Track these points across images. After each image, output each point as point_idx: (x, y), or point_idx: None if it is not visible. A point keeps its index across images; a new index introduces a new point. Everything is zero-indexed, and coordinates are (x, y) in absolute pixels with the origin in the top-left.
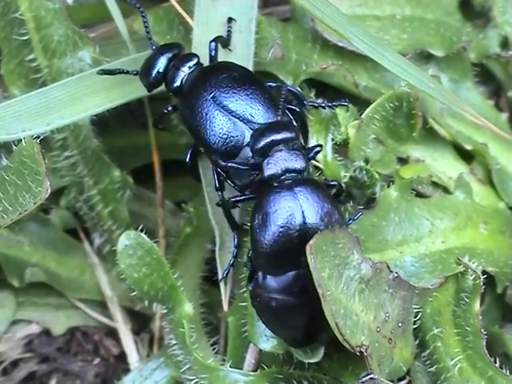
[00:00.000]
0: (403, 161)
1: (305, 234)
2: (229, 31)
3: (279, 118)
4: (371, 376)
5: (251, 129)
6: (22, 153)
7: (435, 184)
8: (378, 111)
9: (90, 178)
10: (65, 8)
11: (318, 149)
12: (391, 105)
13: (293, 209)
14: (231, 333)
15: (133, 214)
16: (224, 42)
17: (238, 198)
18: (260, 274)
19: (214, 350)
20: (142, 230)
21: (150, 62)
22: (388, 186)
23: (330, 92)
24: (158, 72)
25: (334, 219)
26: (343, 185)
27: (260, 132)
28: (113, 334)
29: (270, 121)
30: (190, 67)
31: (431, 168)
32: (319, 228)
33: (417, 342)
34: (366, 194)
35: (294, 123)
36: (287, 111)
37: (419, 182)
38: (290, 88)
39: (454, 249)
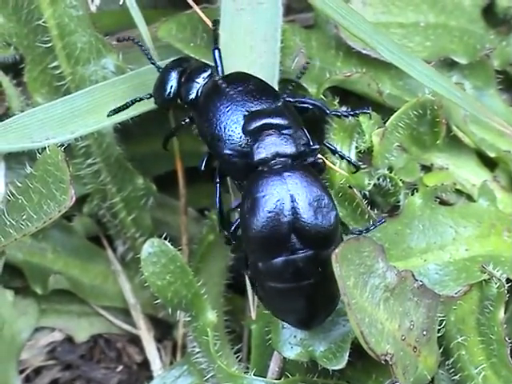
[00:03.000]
0: (427, 168)
1: (294, 219)
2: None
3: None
4: None
5: None
6: (46, 161)
7: (459, 191)
8: (402, 119)
9: (113, 186)
10: (88, 15)
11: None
12: (415, 112)
13: (281, 194)
14: (255, 340)
15: (156, 221)
16: None
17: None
18: (252, 259)
19: (237, 357)
20: (165, 238)
21: (162, 80)
22: (412, 194)
23: (353, 99)
24: (172, 87)
25: (323, 204)
26: (327, 162)
27: (253, 115)
28: (136, 341)
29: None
30: (204, 78)
31: (455, 175)
32: (308, 213)
33: (441, 350)
34: (389, 202)
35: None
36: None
37: (443, 189)
38: (312, 101)
39: (478, 257)
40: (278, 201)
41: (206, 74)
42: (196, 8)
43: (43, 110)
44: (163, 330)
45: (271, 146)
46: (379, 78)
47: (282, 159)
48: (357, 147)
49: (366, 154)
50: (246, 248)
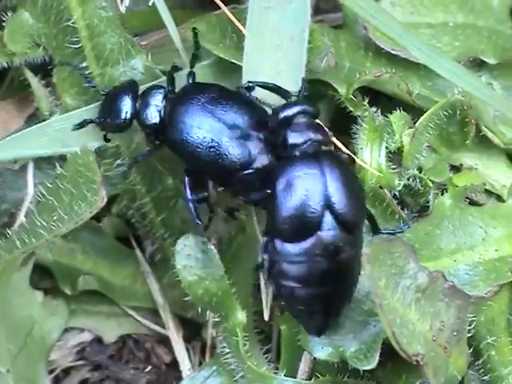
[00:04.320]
0: (456, 168)
1: (329, 199)
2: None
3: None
4: None
5: (247, 139)
6: (76, 161)
7: (488, 192)
8: (432, 119)
9: (143, 186)
10: (117, 16)
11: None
12: (445, 113)
13: (316, 174)
14: (284, 341)
15: (185, 221)
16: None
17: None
18: (278, 241)
19: (266, 358)
20: None
21: (114, 105)
22: (441, 194)
23: (383, 100)
24: (127, 113)
25: (356, 187)
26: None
27: (283, 105)
28: (164, 341)
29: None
30: (162, 100)
31: (484, 176)
32: (344, 194)
33: (471, 350)
34: (419, 202)
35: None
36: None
37: (473, 190)
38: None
39: (508, 257)
40: (314, 181)
41: (161, 96)
42: (224, 8)
43: (77, 115)
44: (192, 330)
45: (305, 132)
46: (408, 78)
47: (313, 144)
48: (387, 147)
49: (396, 155)
50: (274, 229)
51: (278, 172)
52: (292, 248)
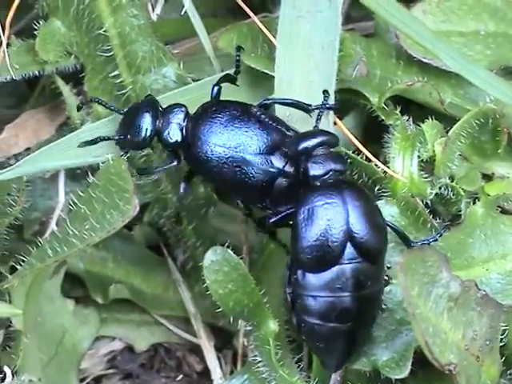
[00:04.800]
0: (488, 177)
1: (350, 228)
2: (237, 60)
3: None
4: None
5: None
6: (109, 170)
7: None
8: (464, 128)
9: (174, 195)
10: (149, 24)
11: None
12: (477, 122)
13: (337, 204)
14: None
15: (216, 230)
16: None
17: (275, 219)
18: (300, 272)
19: (298, 367)
20: (227, 247)
21: (134, 123)
22: (473, 203)
23: (414, 108)
24: (147, 130)
25: (377, 216)
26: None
27: (303, 135)
28: (196, 350)
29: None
30: (184, 118)
31: None
32: (365, 224)
33: (503, 359)
34: (451, 211)
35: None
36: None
37: (505, 198)
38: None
39: None
40: (336, 210)
41: (183, 115)
42: (255, 18)
43: (104, 125)
44: (223, 338)
45: (326, 163)
46: (440, 87)
47: (333, 174)
48: (419, 156)
49: (428, 163)
50: (296, 260)
51: (299, 202)
52: (314, 279)
